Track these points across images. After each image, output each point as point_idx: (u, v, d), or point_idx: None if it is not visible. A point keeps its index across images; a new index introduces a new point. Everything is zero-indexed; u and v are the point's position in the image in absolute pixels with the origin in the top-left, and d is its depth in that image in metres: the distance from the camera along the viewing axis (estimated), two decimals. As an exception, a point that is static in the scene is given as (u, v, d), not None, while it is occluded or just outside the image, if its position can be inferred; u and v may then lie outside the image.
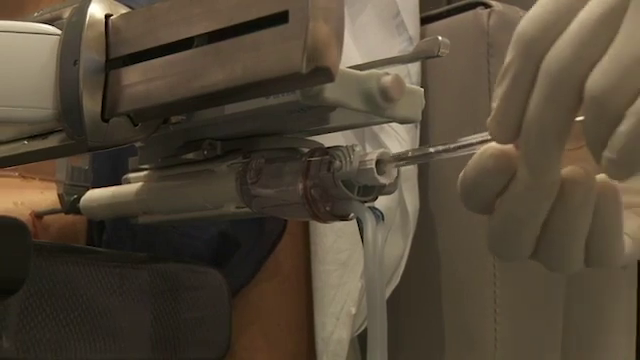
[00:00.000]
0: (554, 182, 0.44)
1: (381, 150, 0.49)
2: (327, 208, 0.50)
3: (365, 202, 0.49)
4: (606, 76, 0.38)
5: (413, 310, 0.88)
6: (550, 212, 0.45)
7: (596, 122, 0.39)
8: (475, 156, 0.46)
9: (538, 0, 0.42)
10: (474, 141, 0.47)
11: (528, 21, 0.41)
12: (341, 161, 0.49)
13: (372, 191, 0.49)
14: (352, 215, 0.50)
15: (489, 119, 0.44)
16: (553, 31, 0.40)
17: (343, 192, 0.49)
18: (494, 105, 0.44)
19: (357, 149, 0.49)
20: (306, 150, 0.52)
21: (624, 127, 0.38)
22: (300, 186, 0.50)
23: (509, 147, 0.45)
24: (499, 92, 0.43)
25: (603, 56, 0.39)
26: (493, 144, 0.45)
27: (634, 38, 0.38)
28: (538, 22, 0.41)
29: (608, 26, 0.39)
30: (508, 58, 0.43)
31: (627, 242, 0.47)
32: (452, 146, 0.47)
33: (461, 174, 0.47)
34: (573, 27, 0.40)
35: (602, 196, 0.45)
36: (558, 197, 0.44)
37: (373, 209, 0.48)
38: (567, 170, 0.44)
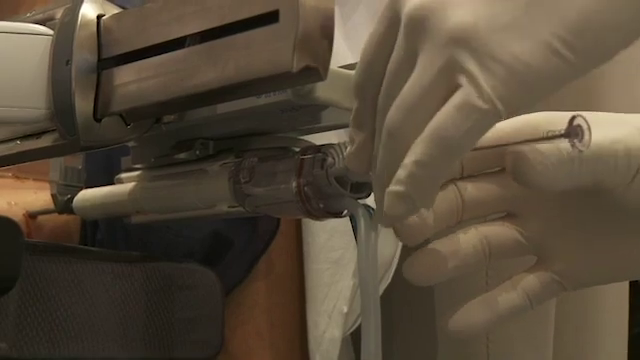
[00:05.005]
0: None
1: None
2: (321, 205, 0.50)
3: (358, 199, 0.49)
4: (397, 112, 0.42)
5: (405, 310, 0.88)
6: None
7: (388, 154, 0.42)
8: None
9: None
10: None
11: (356, 70, 0.45)
12: (334, 158, 0.49)
13: (365, 188, 0.49)
14: (345, 212, 0.50)
15: (347, 152, 0.47)
16: (375, 73, 0.44)
17: (336, 189, 0.49)
18: (350, 141, 0.46)
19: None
20: (298, 149, 0.53)
21: (410, 158, 0.41)
22: (294, 184, 0.50)
23: None
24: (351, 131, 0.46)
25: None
26: None
27: (419, 80, 0.41)
28: (361, 69, 0.45)
29: (406, 72, 0.42)
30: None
31: None
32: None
33: None
34: (386, 74, 0.43)
35: None
36: None
37: (366, 206, 0.48)
38: None
